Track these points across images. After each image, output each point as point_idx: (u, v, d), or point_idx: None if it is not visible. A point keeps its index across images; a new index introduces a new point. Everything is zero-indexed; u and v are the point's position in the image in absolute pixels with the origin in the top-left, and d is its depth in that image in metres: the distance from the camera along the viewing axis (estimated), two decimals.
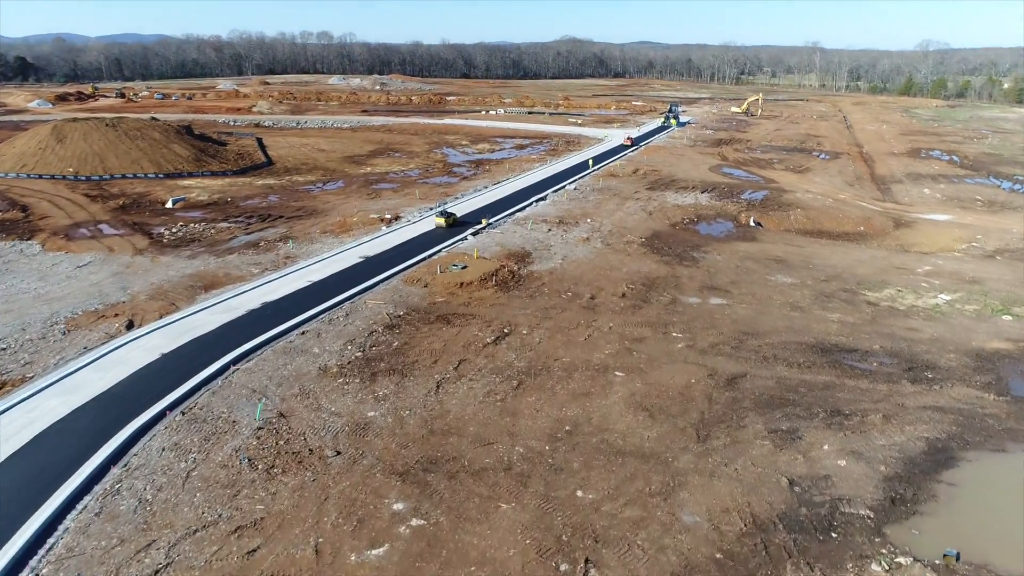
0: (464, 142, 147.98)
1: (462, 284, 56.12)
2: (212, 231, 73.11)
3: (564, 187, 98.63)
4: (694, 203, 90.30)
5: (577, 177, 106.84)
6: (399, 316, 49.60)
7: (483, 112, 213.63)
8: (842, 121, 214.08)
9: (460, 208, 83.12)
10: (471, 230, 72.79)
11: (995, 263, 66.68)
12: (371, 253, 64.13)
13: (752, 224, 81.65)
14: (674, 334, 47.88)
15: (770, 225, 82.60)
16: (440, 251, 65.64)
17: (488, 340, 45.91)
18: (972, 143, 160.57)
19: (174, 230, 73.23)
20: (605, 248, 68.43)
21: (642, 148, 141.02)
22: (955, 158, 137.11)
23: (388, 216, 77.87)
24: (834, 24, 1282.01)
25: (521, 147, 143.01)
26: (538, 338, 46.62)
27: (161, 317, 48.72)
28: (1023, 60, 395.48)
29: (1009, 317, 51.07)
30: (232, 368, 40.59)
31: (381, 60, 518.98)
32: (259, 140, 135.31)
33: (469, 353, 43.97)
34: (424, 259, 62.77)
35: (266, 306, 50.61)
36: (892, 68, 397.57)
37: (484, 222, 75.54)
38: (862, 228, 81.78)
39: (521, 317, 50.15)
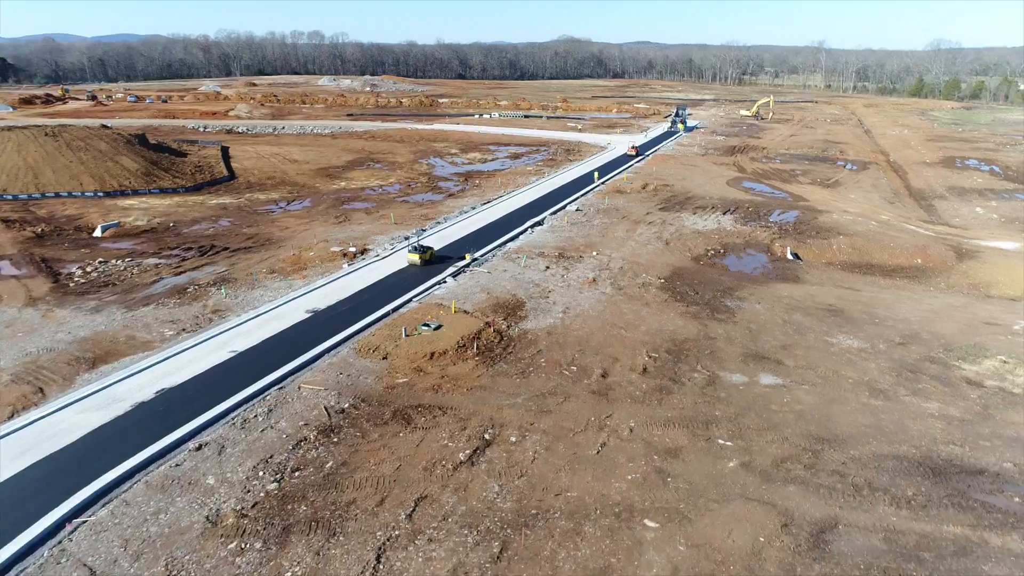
0: (454, 151, 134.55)
1: (433, 355, 42.69)
2: (135, 270, 59.58)
3: (565, 208, 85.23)
4: (717, 228, 76.92)
5: (579, 194, 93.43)
6: (343, 411, 36.19)
7: (476, 116, 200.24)
8: (859, 125, 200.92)
9: (441, 236, 69.72)
10: (451, 269, 59.37)
11: None
12: (322, 305, 50.60)
13: (790, 257, 68.31)
14: (720, 441, 34.50)
15: (810, 257, 69.27)
16: (410, 301, 52.17)
17: (461, 456, 32.52)
18: (1007, 151, 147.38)
19: (89, 269, 59.73)
20: (616, 293, 55.05)
21: (649, 158, 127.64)
22: (996, 168, 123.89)
23: (353, 249, 64.39)
24: (839, 23, 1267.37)
25: (516, 156, 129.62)
26: (532, 450, 33.25)
27: (12, 416, 35.28)
28: None
29: None
30: (71, 527, 27.11)
31: (374, 61, 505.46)
32: (224, 149, 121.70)
33: (432, 482, 30.58)
34: (388, 314, 49.27)
35: (162, 396, 37.13)
36: (901, 68, 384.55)
37: (468, 257, 62.14)
38: (919, 260, 68.49)
39: (509, 410, 36.78)
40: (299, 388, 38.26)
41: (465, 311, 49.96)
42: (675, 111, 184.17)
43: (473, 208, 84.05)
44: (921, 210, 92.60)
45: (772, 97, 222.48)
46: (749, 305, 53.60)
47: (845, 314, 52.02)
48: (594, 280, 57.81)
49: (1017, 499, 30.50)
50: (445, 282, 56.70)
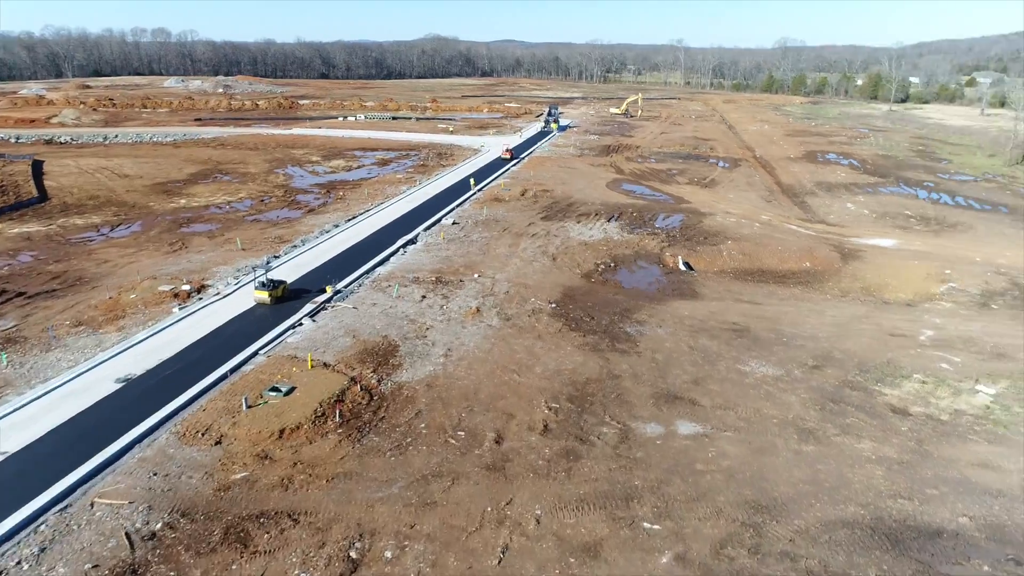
0: (315, 158, 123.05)
1: (283, 432, 33.77)
2: None
3: (440, 221, 77.38)
4: (604, 238, 71.83)
5: (455, 204, 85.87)
6: (153, 536, 26.70)
7: (340, 119, 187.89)
8: (722, 121, 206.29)
9: (298, 264, 60.00)
10: (309, 307, 50.06)
11: (996, 316, 52.31)
12: (139, 369, 40.00)
13: (682, 267, 64.08)
14: (647, 524, 28.15)
15: (702, 266, 65.43)
16: (256, 355, 42.60)
17: None
18: (859, 144, 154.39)
19: None
20: (505, 325, 48.01)
21: (525, 160, 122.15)
22: (854, 162, 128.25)
23: (187, 287, 53.44)
24: (696, 23, 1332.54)
25: (384, 163, 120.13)
26: (414, 570, 25.38)
27: None
28: (873, 58, 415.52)
29: None
30: None
31: (228, 60, 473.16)
32: (37, 164, 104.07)
33: None
34: (226, 376, 39.54)
35: None
36: (752, 66, 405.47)
37: (329, 290, 52.99)
38: (808, 264, 66.38)
39: (383, 507, 28.72)
40: (92, 505, 28.24)
41: (325, 364, 41.14)
42: (547, 110, 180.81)
43: (336, 226, 74.41)
44: (797, 208, 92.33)
45: (640, 95, 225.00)
46: (651, 330, 48.16)
47: (752, 334, 47.67)
48: (478, 310, 50.46)
49: (986, 567, 26.07)
50: (301, 324, 47.41)
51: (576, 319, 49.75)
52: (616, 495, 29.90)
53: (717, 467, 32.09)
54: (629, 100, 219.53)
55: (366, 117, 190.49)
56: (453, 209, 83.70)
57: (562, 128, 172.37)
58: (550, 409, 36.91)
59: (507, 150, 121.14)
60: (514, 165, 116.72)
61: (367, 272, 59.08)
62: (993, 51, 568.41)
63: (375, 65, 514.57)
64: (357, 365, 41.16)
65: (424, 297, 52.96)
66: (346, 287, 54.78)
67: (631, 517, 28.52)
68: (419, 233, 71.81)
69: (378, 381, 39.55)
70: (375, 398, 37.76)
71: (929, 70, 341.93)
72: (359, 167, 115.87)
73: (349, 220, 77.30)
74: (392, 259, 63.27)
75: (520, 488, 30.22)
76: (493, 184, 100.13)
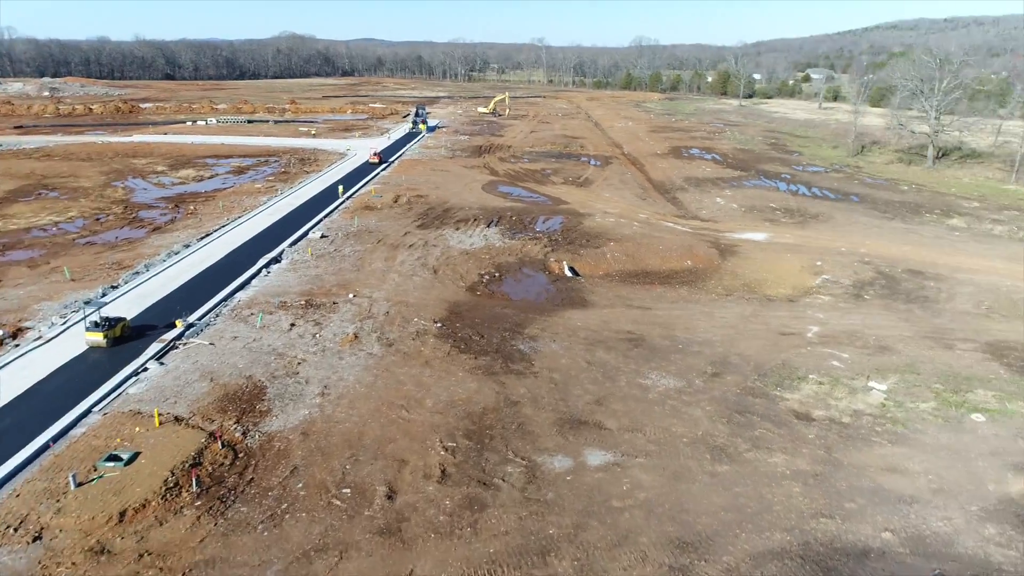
0: (160, 168, 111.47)
1: (124, 514, 27.71)
2: None
3: (307, 234, 71.05)
4: (485, 245, 68.53)
5: (323, 215, 79.60)
6: None
7: (189, 123, 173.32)
8: (588, 119, 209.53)
9: (141, 295, 52.25)
10: (155, 347, 43.10)
11: (871, 307, 53.79)
12: None
13: (568, 273, 61.97)
14: None
15: (587, 270, 63.67)
16: (88, 414, 35.59)
17: None
18: (719, 138, 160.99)
19: None
20: (387, 352, 43.46)
21: (395, 164, 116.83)
22: (716, 157, 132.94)
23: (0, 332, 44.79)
24: (557, 22, 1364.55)
25: (241, 171, 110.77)
26: None
27: None
28: (719, 56, 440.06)
29: (980, 416, 36.10)
30: None
31: (56, 60, 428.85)
32: None
33: None
34: (46, 449, 32.47)
35: None
36: (611, 64, 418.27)
37: (180, 325, 46.13)
38: (689, 262, 66.33)
39: None
40: None
41: (177, 418, 34.95)
42: (414, 110, 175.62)
43: (187, 246, 66.29)
44: (670, 204, 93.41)
45: (507, 94, 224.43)
46: (545, 345, 45.28)
47: (648, 343, 45.93)
48: (356, 336, 45.53)
49: None
50: (146, 370, 40.53)
51: (465, 339, 45.99)
52: (531, 550, 26.48)
53: (634, 501, 29.48)
54: (496, 99, 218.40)
55: (218, 121, 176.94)
56: (321, 221, 77.46)
57: (431, 129, 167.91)
58: (446, 449, 32.96)
59: (375, 154, 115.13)
60: (384, 169, 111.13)
61: (225, 299, 52.34)
62: (821, 49, 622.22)
63: (226, 65, 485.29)
64: (217, 416, 35.28)
65: (293, 325, 47.28)
66: (201, 319, 47.97)
67: None
68: (284, 250, 65.31)
69: (243, 434, 33.96)
70: (241, 456, 32.24)
71: (770, 67, 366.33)
72: (212, 177, 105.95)
73: (202, 238, 69.27)
74: (254, 282, 56.68)
75: (421, 554, 26.11)
76: (363, 191, 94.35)
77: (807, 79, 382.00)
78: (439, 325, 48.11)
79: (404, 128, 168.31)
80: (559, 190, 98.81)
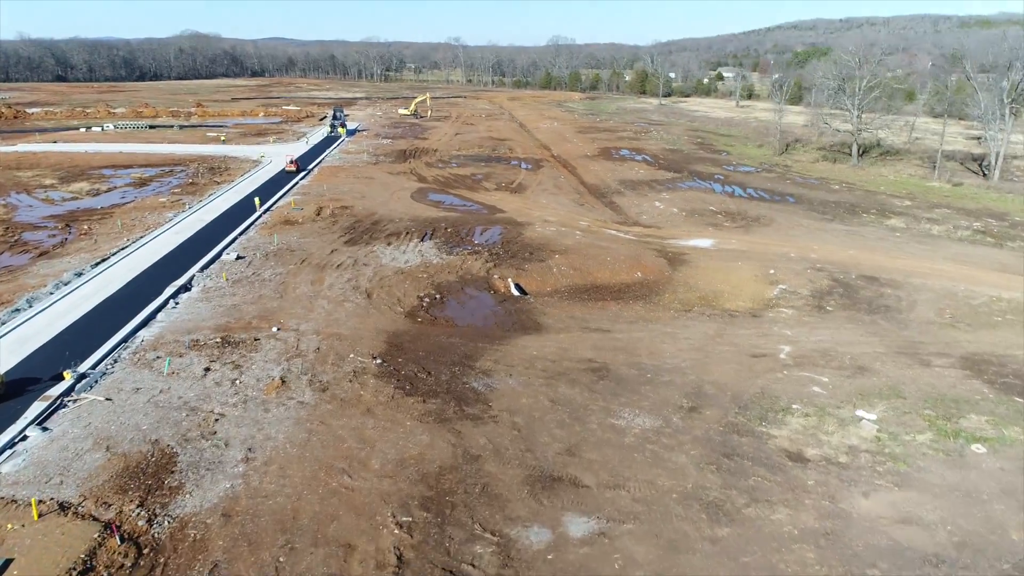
0: (49, 181, 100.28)
1: None
2: None
3: (221, 255, 63.70)
4: (422, 262, 63.09)
5: (238, 232, 72.18)
6: None
7: (83, 130, 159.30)
8: (512, 119, 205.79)
9: (22, 338, 44.34)
10: (37, 408, 35.78)
11: (836, 320, 51.49)
12: None
13: (515, 292, 57.33)
14: None
15: (535, 287, 59.26)
16: None
17: None
18: (646, 138, 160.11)
19: None
20: (321, 399, 37.67)
21: (315, 172, 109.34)
22: (647, 158, 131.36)
23: None
24: (473, 22, 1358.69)
25: (143, 183, 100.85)
26: None
27: None
28: (633, 55, 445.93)
29: (981, 447, 33.61)
30: None
31: None
32: None
33: None
34: None
35: None
36: (529, 63, 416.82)
37: (69, 376, 38.86)
38: (640, 274, 62.95)
39: None
40: None
41: (63, 506, 28.32)
42: (332, 113, 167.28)
43: (80, 274, 57.91)
44: (609, 209, 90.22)
45: (428, 95, 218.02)
46: (501, 381, 40.47)
47: (613, 373, 41.81)
48: (283, 381, 39.46)
49: None
50: (25, 439, 33.36)
51: (410, 377, 40.65)
52: None
53: None
54: (417, 100, 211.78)
55: (116, 127, 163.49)
56: (236, 239, 70.08)
57: (351, 132, 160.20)
58: (401, 526, 27.72)
59: (292, 161, 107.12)
60: (303, 178, 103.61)
61: (126, 340, 45.06)
62: (729, 48, 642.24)
63: (124, 65, 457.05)
64: (114, 498, 28.85)
65: (208, 370, 40.72)
66: (96, 367, 40.75)
67: None
68: (194, 275, 57.92)
69: (149, 521, 27.71)
70: (146, 553, 26.05)
71: (684, 66, 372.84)
72: (110, 190, 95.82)
73: (98, 263, 60.91)
74: (160, 316, 49.42)
75: None
76: (282, 203, 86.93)
77: (720, 78, 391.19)
78: (379, 362, 42.54)
79: (322, 132, 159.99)
80: (493, 197, 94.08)
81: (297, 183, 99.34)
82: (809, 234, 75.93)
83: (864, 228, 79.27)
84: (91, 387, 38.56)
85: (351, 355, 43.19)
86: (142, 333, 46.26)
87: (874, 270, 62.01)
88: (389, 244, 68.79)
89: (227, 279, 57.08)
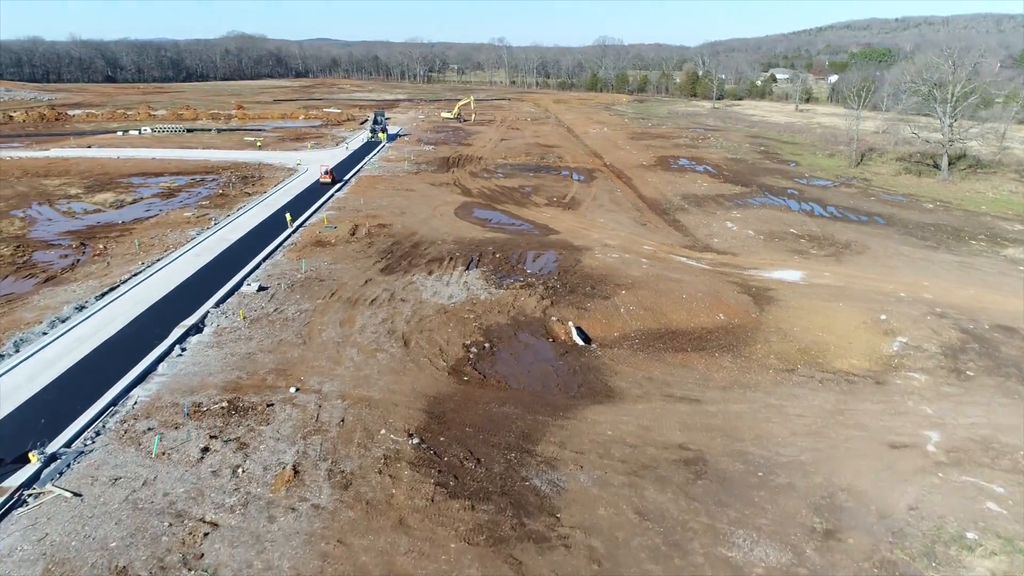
0: (75, 191, 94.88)
1: None
2: None
3: (240, 287, 56.22)
4: (467, 297, 54.72)
5: (263, 255, 64.86)
6: None
7: (120, 133, 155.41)
8: (559, 124, 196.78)
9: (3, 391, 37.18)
10: None
11: (985, 391, 41.33)
12: None
13: (578, 340, 48.44)
14: None
15: (599, 330, 50.35)
16: None
17: None
18: (704, 146, 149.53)
19: None
20: (341, 502, 29.42)
21: (352, 183, 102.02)
22: (709, 168, 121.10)
23: None
24: (517, 22, 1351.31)
25: (171, 193, 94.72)
26: None
27: None
28: (679, 55, 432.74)
29: None
30: None
31: None
32: None
33: None
34: None
35: None
36: (575, 64, 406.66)
37: (35, 459, 31.34)
38: (721, 315, 53.54)
39: None
40: None
41: None
42: (373, 117, 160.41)
43: (82, 307, 50.97)
44: (674, 230, 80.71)
45: (472, 97, 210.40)
46: (569, 477, 31.74)
47: (711, 466, 32.71)
48: (296, 472, 31.34)
49: None
50: None
51: (455, 467, 32.19)
52: None
53: None
54: (461, 103, 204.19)
55: (153, 130, 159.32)
56: (261, 263, 62.71)
57: (391, 137, 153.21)
58: None
59: (327, 172, 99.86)
60: (339, 190, 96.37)
61: (116, 401, 37.59)
62: (779, 49, 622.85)
63: (171, 66, 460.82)
64: None
65: (207, 450, 32.87)
66: (71, 444, 33.25)
67: None
68: (208, 312, 50.47)
69: None
70: None
71: (735, 67, 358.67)
72: (135, 202, 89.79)
73: (103, 295, 53.93)
74: (162, 367, 41.96)
75: None
76: (315, 219, 79.63)
77: (773, 79, 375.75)
78: (416, 441, 34.20)
79: (362, 136, 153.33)
80: (544, 214, 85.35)
81: (332, 196, 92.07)
82: (913, 266, 65.41)
83: (977, 259, 68.36)
84: (61, 472, 31.03)
85: (382, 431, 34.93)
86: (137, 392, 38.72)
87: (1010, 318, 51.54)
88: (430, 273, 60.59)
89: (244, 317, 49.48)
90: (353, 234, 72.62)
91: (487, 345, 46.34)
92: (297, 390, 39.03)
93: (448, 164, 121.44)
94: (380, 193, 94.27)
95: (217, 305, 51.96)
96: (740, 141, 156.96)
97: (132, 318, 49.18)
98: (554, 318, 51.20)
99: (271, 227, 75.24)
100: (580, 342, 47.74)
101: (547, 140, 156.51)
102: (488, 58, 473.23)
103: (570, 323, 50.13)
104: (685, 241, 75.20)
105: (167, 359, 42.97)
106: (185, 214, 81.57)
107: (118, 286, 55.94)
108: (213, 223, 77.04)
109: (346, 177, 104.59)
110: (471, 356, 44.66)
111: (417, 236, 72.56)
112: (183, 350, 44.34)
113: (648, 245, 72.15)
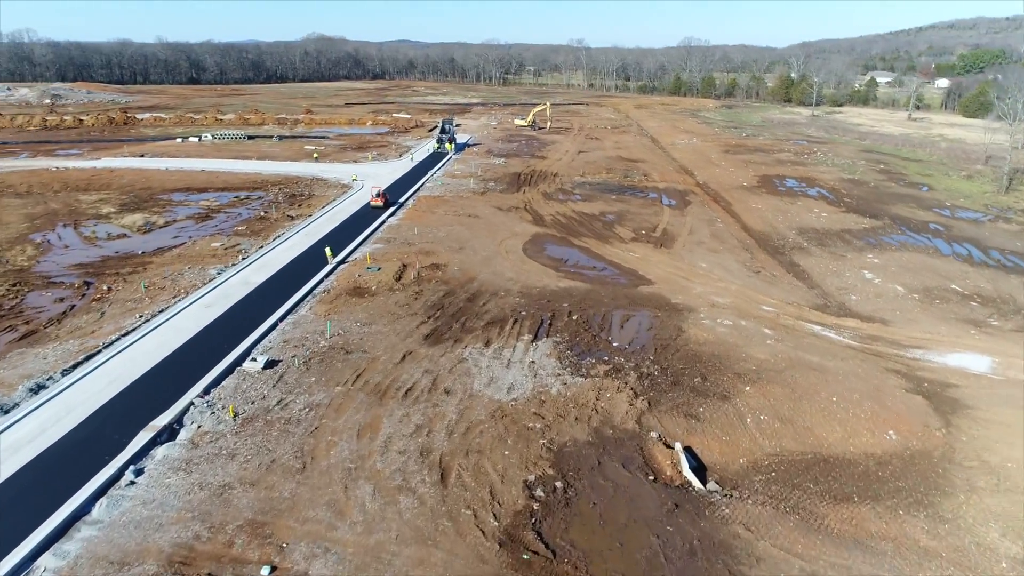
0: (108, 209, 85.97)
1: None
2: None
3: (246, 361, 43.82)
4: (533, 391, 40.67)
5: (286, 308, 52.60)
6: None
7: (179, 140, 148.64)
8: (642, 132, 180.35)
9: None
10: None
11: None
12: None
13: (688, 476, 33.46)
14: None
15: (718, 455, 35.36)
16: None
17: None
18: (811, 162, 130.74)
19: None
20: None
21: (409, 205, 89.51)
22: (823, 192, 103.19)
23: None
24: (596, 22, 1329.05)
25: (208, 215, 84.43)
26: None
27: None
28: (764, 57, 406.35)
29: None
30: None
31: (76, 63, 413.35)
32: None
33: None
34: None
35: None
36: (657, 66, 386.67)
37: None
38: (891, 433, 37.78)
39: None
40: None
41: None
42: (440, 125, 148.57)
43: (37, 390, 39.51)
44: (795, 279, 64.44)
45: (548, 103, 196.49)
46: None
47: None
48: None
49: None
50: None
51: None
52: None
53: None
54: (536, 110, 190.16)
55: (214, 137, 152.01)
56: (281, 321, 50.43)
57: (459, 147, 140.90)
58: None
59: (379, 195, 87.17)
60: (392, 214, 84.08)
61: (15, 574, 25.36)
62: (874, 50, 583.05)
63: (252, 68, 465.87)
64: None
65: None
66: None
67: None
68: (191, 405, 38.14)
69: None
70: None
71: (833, 70, 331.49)
72: (167, 224, 79.85)
73: (75, 366, 42.52)
74: (99, 509, 29.63)
75: None
76: (360, 253, 67.40)
77: (873, 83, 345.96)
78: None
79: (429, 146, 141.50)
80: (632, 253, 70.45)
81: (384, 222, 79.78)
82: None
83: None
84: None
85: None
86: (44, 562, 26.36)
87: None
88: (488, 343, 46.90)
89: (235, 415, 36.94)
90: (399, 279, 59.75)
91: (558, 485, 32.07)
92: (272, 571, 25.87)
93: (519, 182, 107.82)
94: (438, 219, 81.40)
95: (207, 392, 39.64)
96: (853, 157, 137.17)
97: (93, 410, 37.34)
98: (654, 434, 36.53)
99: (305, 265, 63.34)
100: (694, 482, 32.87)
101: (630, 153, 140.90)
102: (566, 60, 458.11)
103: (677, 446, 35.34)
104: (814, 299, 58.87)
105: (112, 491, 30.68)
106: (213, 244, 70.66)
107: (99, 352, 44.51)
108: (241, 257, 65.76)
109: (402, 199, 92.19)
110: (535, 508, 30.49)
111: (476, 283, 59.09)
112: (137, 474, 31.98)
113: (768, 304, 56.35)
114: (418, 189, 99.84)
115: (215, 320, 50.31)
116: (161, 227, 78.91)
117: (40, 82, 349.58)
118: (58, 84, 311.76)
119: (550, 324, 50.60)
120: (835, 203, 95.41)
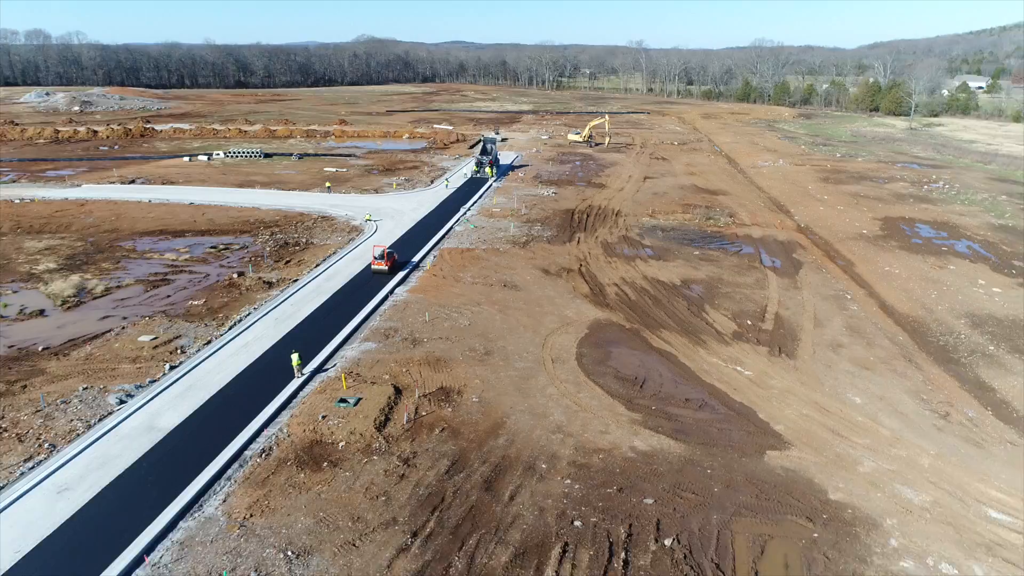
0: (49, 263, 67.36)
1: None
2: None
3: None
4: None
5: (183, 504, 31.48)
6: None
7: (187, 159, 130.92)
8: (715, 150, 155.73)
9: None
10: None
11: None
12: None
13: None
14: None
15: None
16: None
17: None
18: (940, 198, 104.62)
19: None
20: None
21: (426, 268, 67.96)
22: (977, 248, 77.89)
23: None
24: (657, 23, 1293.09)
25: (165, 278, 64.63)
26: None
27: None
28: (865, 63, 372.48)
29: None
30: None
31: (123, 66, 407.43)
32: None
33: None
34: None
35: None
36: (723, 70, 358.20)
37: None
38: None
39: None
40: None
41: None
42: (481, 145, 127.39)
43: None
44: (1005, 424, 40.46)
45: (607, 116, 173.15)
46: None
47: None
48: None
49: None
50: None
51: None
52: None
53: None
54: (593, 123, 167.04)
55: (227, 155, 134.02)
56: (158, 542, 29.40)
57: (503, 170, 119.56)
58: None
59: (383, 255, 65.33)
60: (400, 282, 62.81)
61: None
62: (955, 51, 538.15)
63: (300, 71, 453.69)
64: None
65: None
66: None
67: None
68: None
69: None
70: None
71: (926, 75, 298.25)
72: (104, 293, 60.33)
73: None
74: None
75: None
76: (346, 356, 46.24)
77: (966, 89, 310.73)
78: None
79: (466, 169, 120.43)
80: (739, 369, 47.46)
81: (385, 298, 58.58)
82: None
83: None
84: None
85: None
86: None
87: None
88: None
89: None
90: (382, 425, 38.29)
91: None
92: None
93: (572, 224, 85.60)
94: (463, 292, 59.86)
95: None
96: (987, 189, 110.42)
97: None
98: None
99: (256, 383, 42.76)
100: None
101: (707, 181, 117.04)
102: (624, 62, 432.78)
103: None
104: None
105: None
106: (143, 338, 50.45)
107: None
108: (169, 367, 45.34)
109: (420, 255, 70.97)
110: None
111: (503, 438, 37.21)
112: None
113: (995, 505, 32.76)
114: (444, 236, 78.59)
115: (61, 526, 29.63)
116: (96, 298, 59.40)
117: (88, 85, 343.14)
118: (96, 89, 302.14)
119: (625, 560, 28.35)
120: (1001, 268, 70.30)
